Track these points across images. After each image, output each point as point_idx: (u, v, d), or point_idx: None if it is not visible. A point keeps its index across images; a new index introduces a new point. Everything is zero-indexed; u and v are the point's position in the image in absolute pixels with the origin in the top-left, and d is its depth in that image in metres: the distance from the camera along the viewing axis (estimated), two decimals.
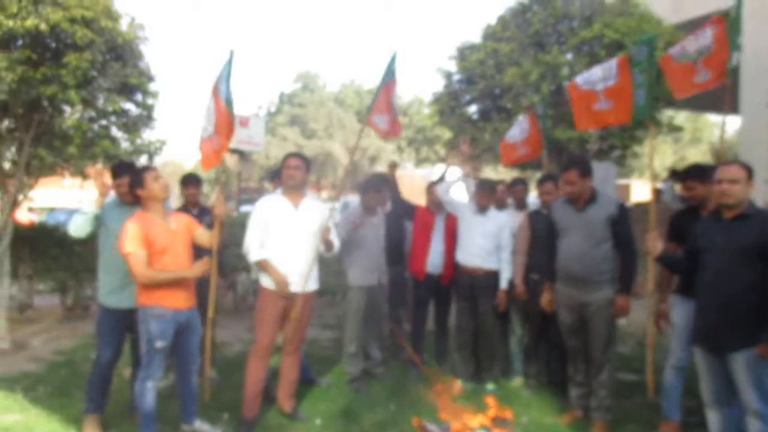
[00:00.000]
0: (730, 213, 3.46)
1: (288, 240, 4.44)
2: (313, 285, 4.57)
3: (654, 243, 3.86)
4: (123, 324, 4.22)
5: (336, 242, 4.68)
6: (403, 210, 6.14)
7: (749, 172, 3.46)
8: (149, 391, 3.91)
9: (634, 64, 4.34)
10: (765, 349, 3.24)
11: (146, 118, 7.65)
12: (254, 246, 4.40)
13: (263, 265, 4.40)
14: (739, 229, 3.40)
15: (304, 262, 4.46)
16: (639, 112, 4.36)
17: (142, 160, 9.03)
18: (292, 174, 4.46)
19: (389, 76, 4.93)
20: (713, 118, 27.29)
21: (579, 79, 5.05)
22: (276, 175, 5.28)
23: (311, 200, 4.64)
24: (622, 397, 5.01)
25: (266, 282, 4.44)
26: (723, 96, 4.50)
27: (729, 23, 4.40)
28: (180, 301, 3.94)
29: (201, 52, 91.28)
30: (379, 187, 5.61)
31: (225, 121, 4.35)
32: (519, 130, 6.47)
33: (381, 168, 34.56)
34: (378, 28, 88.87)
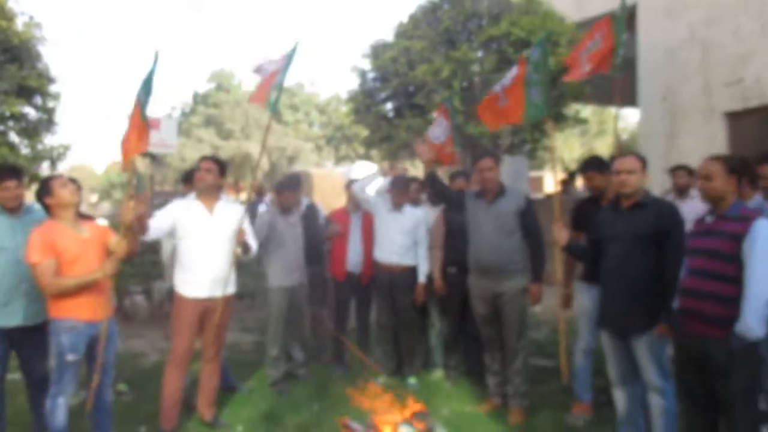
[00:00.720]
0: (627, 202, 3.66)
1: (204, 244, 4.34)
2: (231, 289, 4.49)
3: (560, 233, 4.03)
4: (7, 342, 3.93)
5: (253, 244, 4.62)
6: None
7: (644, 162, 3.67)
8: (60, 407, 3.73)
9: (528, 63, 4.48)
10: (663, 329, 3.44)
11: (47, 122, 7.28)
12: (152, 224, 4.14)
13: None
14: (637, 217, 3.59)
15: (221, 267, 4.38)
16: (536, 110, 4.49)
17: (44, 167, 8.63)
18: (202, 176, 4.37)
19: (287, 68, 4.77)
20: (617, 110, 28.65)
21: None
22: (188, 178, 5.15)
23: (226, 203, 4.55)
24: (537, 383, 5.21)
25: (182, 288, 4.33)
26: (624, 90, 4.82)
27: (615, 22, 4.78)
28: (94, 312, 3.76)
29: (111, 51, 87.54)
30: (294, 186, 5.56)
31: (134, 121, 4.17)
32: (441, 129, 6.44)
33: (300, 168, 34.33)
34: (293, 26, 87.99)
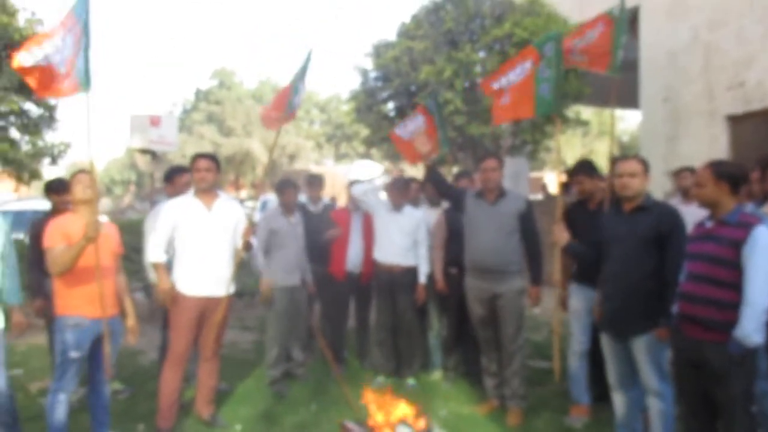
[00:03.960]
0: (629, 205, 3.66)
1: (203, 243, 4.33)
2: (231, 287, 4.48)
3: (561, 233, 4.04)
4: None
5: (255, 242, 4.62)
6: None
7: (646, 166, 3.68)
8: (61, 403, 3.75)
9: (542, 58, 4.47)
10: (663, 332, 3.45)
11: (48, 118, 7.27)
12: (155, 247, 4.28)
13: (157, 268, 4.29)
14: (639, 220, 3.60)
15: (221, 264, 4.38)
16: (545, 107, 4.49)
17: (45, 163, 8.63)
18: (203, 177, 4.33)
19: (303, 75, 4.85)
20: (618, 112, 28.67)
21: (495, 84, 5.17)
22: (170, 178, 5.07)
23: (225, 201, 4.54)
24: (536, 385, 5.21)
25: (181, 286, 4.33)
26: (625, 92, 4.82)
27: (615, 23, 4.79)
28: (100, 309, 3.77)
29: (114, 48, 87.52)
30: (296, 185, 5.57)
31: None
32: (413, 126, 6.34)
33: (300, 166, 34.31)
34: (296, 25, 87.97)
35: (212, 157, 4.46)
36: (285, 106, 4.84)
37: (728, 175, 3.14)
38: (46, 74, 3.81)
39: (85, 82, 3.77)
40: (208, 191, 4.40)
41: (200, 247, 4.33)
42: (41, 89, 3.88)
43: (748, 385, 3.02)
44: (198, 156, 4.46)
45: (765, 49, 8.11)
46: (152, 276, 4.73)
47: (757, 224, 2.99)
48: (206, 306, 4.33)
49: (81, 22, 3.78)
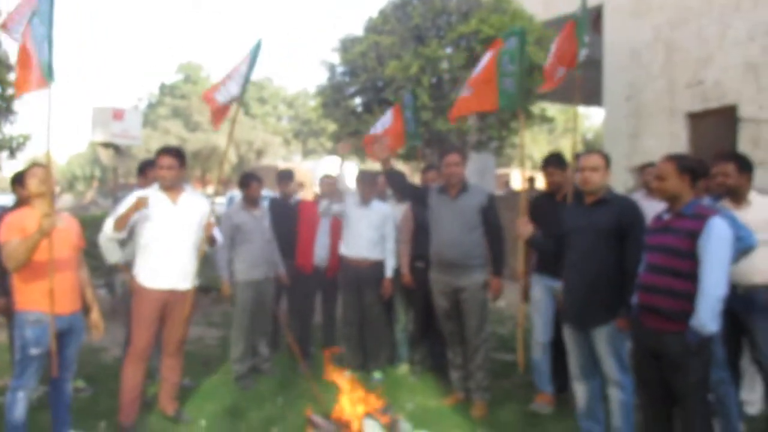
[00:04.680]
0: (590, 198, 3.73)
1: (168, 236, 4.29)
2: (194, 282, 4.44)
3: (524, 227, 4.10)
4: None
5: (219, 237, 4.58)
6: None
7: (607, 160, 3.75)
8: (20, 401, 3.66)
9: (503, 53, 4.50)
10: (623, 323, 3.52)
11: (5, 110, 7.08)
12: (111, 223, 4.20)
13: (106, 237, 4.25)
14: (599, 213, 3.67)
15: (185, 258, 4.33)
16: (509, 101, 4.54)
17: (4, 157, 8.42)
18: (164, 174, 4.28)
19: (253, 63, 4.74)
20: (583, 109, 29.11)
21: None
22: (143, 170, 5.08)
23: (190, 195, 4.49)
24: (500, 377, 5.28)
25: (144, 279, 4.27)
26: (590, 90, 4.92)
27: (578, 24, 4.91)
28: (60, 305, 3.69)
29: (74, 38, 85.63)
30: (260, 179, 5.54)
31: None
32: (381, 122, 6.46)
33: (268, 162, 34.07)
34: (263, 18, 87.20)
35: (177, 152, 4.39)
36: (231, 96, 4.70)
37: (690, 168, 3.22)
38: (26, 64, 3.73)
39: (49, 74, 3.68)
40: (173, 185, 4.35)
41: (165, 241, 4.28)
42: (20, 85, 3.81)
43: (705, 373, 3.10)
44: (161, 152, 4.38)
45: (722, 48, 8.33)
46: (110, 257, 4.78)
47: (713, 215, 3.08)
48: (169, 299, 4.28)
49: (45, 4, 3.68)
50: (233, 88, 4.70)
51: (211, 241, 4.47)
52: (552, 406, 4.62)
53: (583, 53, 4.97)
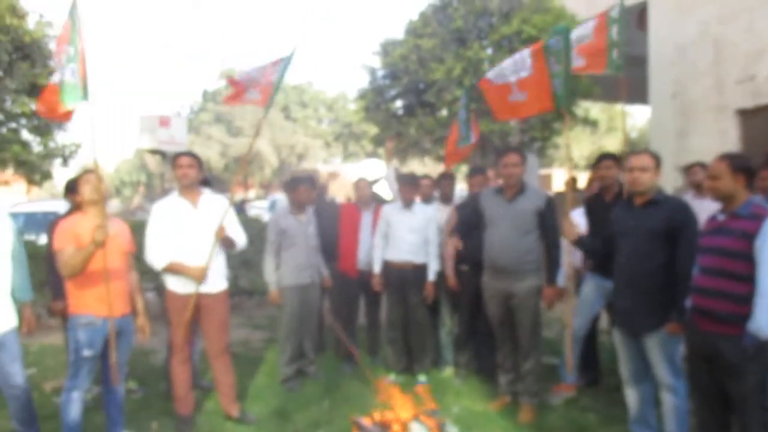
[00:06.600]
0: (640, 199, 3.66)
1: (190, 239, 4.33)
2: (222, 283, 4.50)
3: (570, 228, 4.03)
4: None
5: (241, 239, 4.62)
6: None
7: (658, 160, 3.67)
8: (75, 402, 3.79)
9: (549, 53, 4.42)
10: (674, 327, 3.44)
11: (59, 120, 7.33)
12: (156, 254, 4.30)
13: (171, 269, 4.31)
14: (649, 214, 3.59)
15: (210, 261, 4.37)
16: (557, 101, 4.48)
17: (57, 164, 8.69)
18: (185, 173, 4.34)
19: (286, 68, 4.75)
20: (626, 108, 28.51)
21: (490, 75, 5.16)
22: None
23: (210, 197, 4.54)
24: (547, 381, 5.20)
25: (171, 284, 4.37)
26: (634, 87, 4.86)
27: (608, 21, 4.80)
28: (112, 308, 3.80)
29: (122, 49, 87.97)
30: (308, 183, 5.56)
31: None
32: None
33: (309, 165, 34.37)
34: (302, 24, 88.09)
35: (193, 155, 4.49)
36: (268, 98, 4.70)
37: (745, 167, 3.13)
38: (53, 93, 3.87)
39: (74, 96, 3.78)
40: (191, 188, 4.41)
41: (188, 244, 4.34)
42: (47, 111, 3.98)
43: (762, 378, 3.01)
44: (179, 154, 4.51)
45: None
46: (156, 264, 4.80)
47: None
48: (200, 303, 4.34)
49: (73, 28, 3.77)
50: (257, 95, 4.71)
51: (227, 243, 4.51)
52: (572, 393, 4.79)
53: (615, 53, 4.87)
